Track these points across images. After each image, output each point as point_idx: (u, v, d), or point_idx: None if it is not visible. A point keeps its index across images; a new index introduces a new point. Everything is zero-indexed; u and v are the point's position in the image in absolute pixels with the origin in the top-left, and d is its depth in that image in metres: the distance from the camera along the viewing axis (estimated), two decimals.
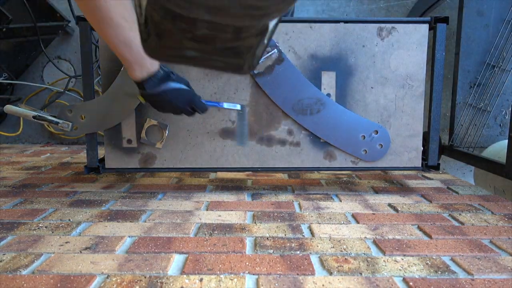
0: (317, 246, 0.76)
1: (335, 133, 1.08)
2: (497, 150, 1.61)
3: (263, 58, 1.04)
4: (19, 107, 0.99)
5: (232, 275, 0.65)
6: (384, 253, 0.73)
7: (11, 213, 0.93)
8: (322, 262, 0.69)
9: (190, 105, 0.97)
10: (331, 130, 1.08)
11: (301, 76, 1.06)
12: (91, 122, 1.05)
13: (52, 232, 0.82)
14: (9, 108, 0.99)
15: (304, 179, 1.29)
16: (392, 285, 0.62)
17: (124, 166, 1.10)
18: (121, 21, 0.81)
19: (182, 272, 0.66)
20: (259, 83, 1.06)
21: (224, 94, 1.07)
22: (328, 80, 1.07)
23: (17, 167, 1.47)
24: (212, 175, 1.34)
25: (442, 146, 1.71)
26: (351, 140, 1.08)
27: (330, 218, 0.92)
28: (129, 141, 1.08)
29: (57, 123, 1.01)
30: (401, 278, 0.64)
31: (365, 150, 1.08)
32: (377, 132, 1.08)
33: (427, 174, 1.38)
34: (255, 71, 1.05)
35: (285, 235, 0.81)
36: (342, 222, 0.89)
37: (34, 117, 0.99)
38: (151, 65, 0.88)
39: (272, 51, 1.04)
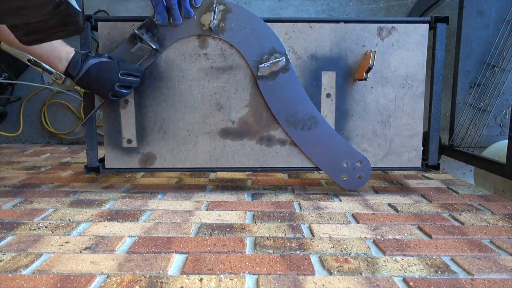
0: (317, 246, 0.76)
1: (321, 153, 1.08)
2: (497, 150, 1.61)
3: (269, 62, 1.03)
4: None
5: (232, 275, 0.65)
6: (384, 253, 0.73)
7: (11, 213, 0.93)
8: (322, 262, 0.69)
9: (118, 72, 0.99)
10: (317, 149, 1.08)
11: (301, 90, 1.06)
12: None
13: (52, 232, 0.82)
14: (4, 46, 0.98)
15: (304, 179, 1.29)
16: (392, 285, 0.62)
17: (124, 166, 1.10)
18: None
19: (182, 272, 0.66)
20: (259, 86, 1.05)
21: (224, 94, 1.07)
22: (328, 80, 1.07)
23: (17, 167, 1.47)
24: (212, 175, 1.34)
25: (442, 146, 1.71)
26: (334, 164, 1.08)
27: (330, 218, 0.92)
28: (129, 141, 1.09)
29: (51, 72, 1.01)
30: (401, 278, 0.64)
31: (345, 177, 1.09)
32: (360, 162, 1.07)
33: (427, 174, 1.38)
34: (259, 73, 1.05)
35: (285, 235, 0.81)
36: (342, 222, 0.89)
37: (29, 60, 0.99)
38: (67, 54, 0.97)
39: (280, 58, 1.04)
